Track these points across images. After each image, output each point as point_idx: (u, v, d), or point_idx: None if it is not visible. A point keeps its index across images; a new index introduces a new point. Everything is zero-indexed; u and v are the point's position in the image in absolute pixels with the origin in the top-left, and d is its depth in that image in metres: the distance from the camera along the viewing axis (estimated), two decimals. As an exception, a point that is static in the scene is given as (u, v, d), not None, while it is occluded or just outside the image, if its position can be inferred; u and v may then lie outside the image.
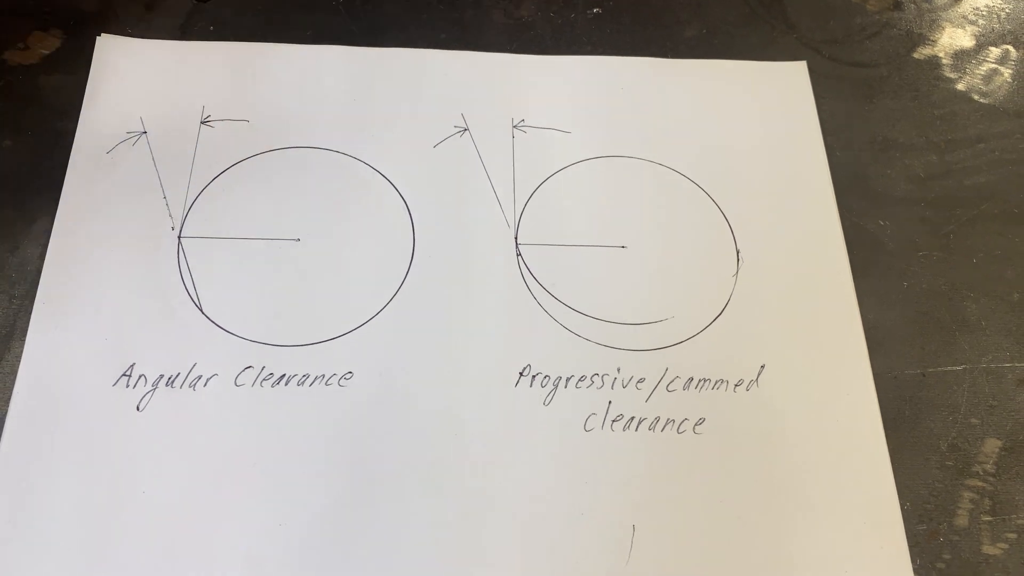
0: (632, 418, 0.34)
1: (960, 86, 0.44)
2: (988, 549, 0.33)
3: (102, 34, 0.41)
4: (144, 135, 0.39)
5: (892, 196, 0.40)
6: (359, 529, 0.31)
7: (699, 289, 0.37)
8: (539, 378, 0.35)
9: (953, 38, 0.46)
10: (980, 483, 0.34)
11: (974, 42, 0.46)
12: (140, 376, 0.33)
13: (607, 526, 0.32)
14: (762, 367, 0.36)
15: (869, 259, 0.39)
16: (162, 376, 0.33)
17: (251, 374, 0.34)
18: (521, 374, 0.35)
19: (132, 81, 0.40)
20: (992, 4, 0.47)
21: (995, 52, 0.45)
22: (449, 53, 0.42)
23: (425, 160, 0.39)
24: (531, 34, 0.43)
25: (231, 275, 0.36)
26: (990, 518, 0.34)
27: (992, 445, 0.35)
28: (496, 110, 0.41)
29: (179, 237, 0.36)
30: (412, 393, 0.34)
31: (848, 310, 0.37)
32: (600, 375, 0.35)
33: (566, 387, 0.35)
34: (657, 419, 0.34)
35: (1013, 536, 0.33)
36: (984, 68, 0.45)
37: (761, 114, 0.42)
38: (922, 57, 0.45)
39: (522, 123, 0.41)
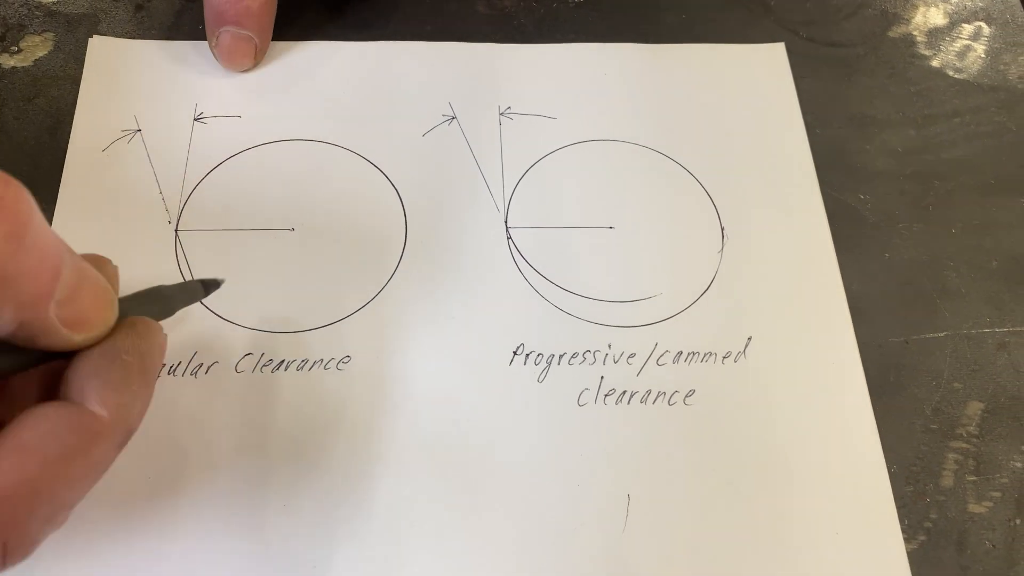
0: (624, 392, 0.35)
1: (935, 63, 0.45)
2: (974, 508, 0.34)
3: (94, 36, 0.42)
4: (139, 132, 0.39)
5: (871, 171, 0.41)
6: (361, 508, 0.32)
7: (686, 266, 0.38)
8: (532, 356, 0.36)
9: (927, 16, 0.47)
10: (964, 445, 0.35)
11: (947, 20, 0.47)
12: (142, 366, 0.34)
13: (603, 497, 0.33)
14: (749, 339, 0.36)
15: (851, 232, 0.40)
16: (163, 365, 0.34)
17: (251, 360, 0.35)
18: (515, 353, 0.36)
19: (125, 81, 0.41)
20: (964, -17, 0.48)
21: (968, 29, 0.46)
22: (434, 45, 0.43)
23: (414, 149, 0.40)
24: (514, 24, 0.44)
25: (228, 266, 0.36)
26: (974, 478, 0.35)
27: (975, 408, 0.36)
28: (482, 98, 0.42)
29: (176, 231, 0.37)
30: (408, 374, 0.35)
31: (831, 282, 0.38)
32: (592, 351, 0.36)
33: (559, 364, 0.36)
34: (648, 392, 0.35)
35: (997, 495, 0.34)
36: (958, 45, 0.46)
37: (741, 95, 0.43)
38: (897, 36, 0.46)
39: (508, 110, 0.41)
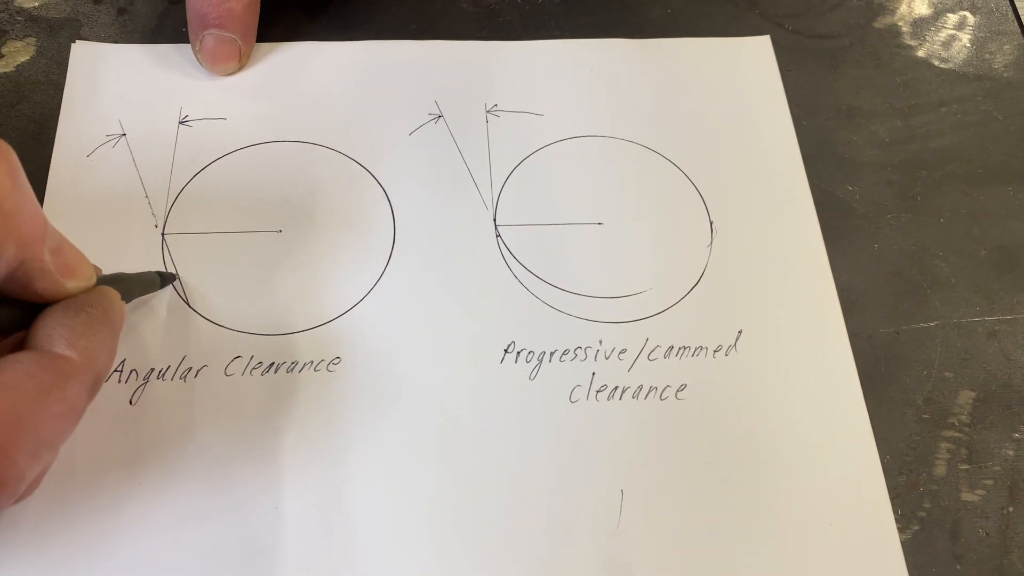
0: (616, 388, 0.35)
1: (920, 53, 0.45)
2: (966, 496, 0.34)
3: (76, 40, 0.41)
4: (123, 137, 0.39)
5: (859, 162, 0.41)
6: (353, 509, 0.32)
7: (675, 261, 0.38)
8: (524, 354, 0.36)
9: (912, 7, 0.47)
10: (956, 433, 0.35)
11: (932, 10, 0.47)
12: (132, 371, 0.34)
13: (596, 493, 0.33)
14: (739, 332, 0.36)
15: (839, 224, 0.40)
16: (153, 370, 0.34)
17: (240, 363, 0.34)
18: (506, 351, 0.36)
19: (109, 85, 0.40)
20: (948, -28, 0.48)
21: (953, 19, 0.46)
22: (419, 43, 0.43)
23: (401, 148, 0.40)
24: (500, 21, 0.44)
25: (216, 269, 0.36)
26: (967, 466, 0.35)
27: (966, 396, 0.36)
28: (469, 96, 0.42)
29: (163, 234, 0.37)
30: (399, 375, 0.35)
31: (821, 274, 0.38)
32: (583, 348, 0.36)
33: (550, 361, 0.35)
34: (640, 387, 0.35)
35: (990, 482, 0.34)
36: (943, 34, 0.46)
37: (728, 89, 0.43)
38: (882, 26, 0.46)
39: (495, 108, 0.41)
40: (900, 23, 0.46)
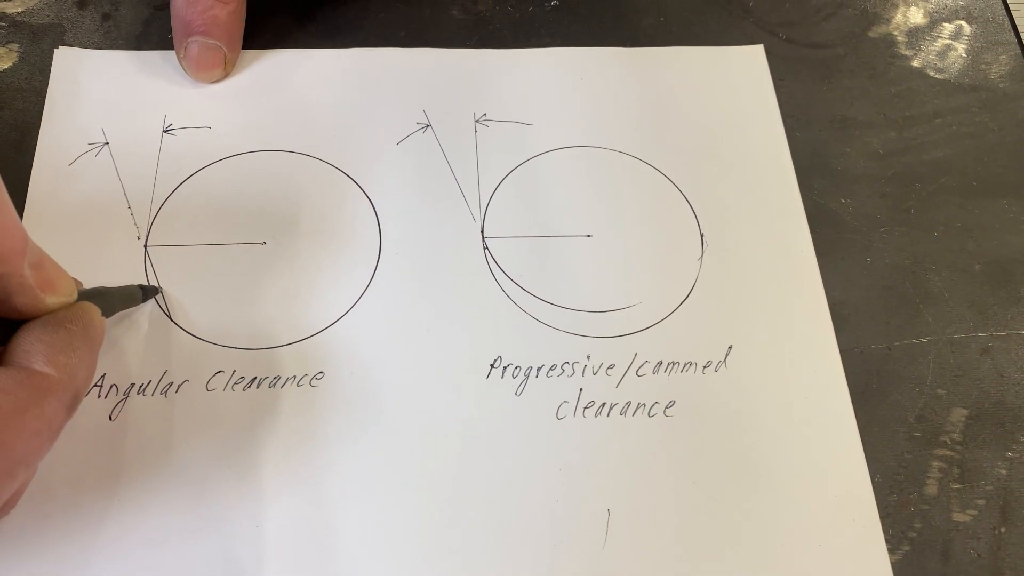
0: (603, 404, 0.35)
1: (916, 63, 0.45)
2: (958, 516, 0.34)
3: (60, 47, 0.41)
4: (106, 146, 0.38)
5: (852, 174, 0.41)
6: (335, 527, 0.31)
7: (665, 274, 0.37)
8: (510, 369, 0.35)
9: (907, 16, 0.46)
10: (948, 452, 0.35)
11: (928, 19, 0.46)
12: (111, 386, 0.33)
13: (582, 511, 0.32)
14: (729, 348, 0.36)
15: (832, 237, 0.39)
16: (133, 385, 0.33)
17: (222, 378, 0.34)
18: (492, 366, 0.35)
19: (92, 92, 0.40)
20: (945, -19, 0.47)
21: (948, 28, 0.46)
22: (407, 51, 0.42)
23: (388, 158, 0.39)
24: (489, 29, 0.44)
25: (198, 281, 0.36)
26: (959, 486, 0.34)
27: (958, 414, 0.36)
28: (458, 105, 0.41)
29: (145, 246, 0.36)
30: (383, 390, 0.34)
31: (813, 288, 0.38)
32: (570, 363, 0.35)
33: (537, 376, 0.35)
34: (628, 404, 0.35)
35: (982, 502, 0.34)
36: (938, 44, 0.45)
37: (720, 98, 0.42)
38: (877, 36, 0.45)
39: (484, 117, 0.41)
40: (895, 33, 0.46)
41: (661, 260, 0.38)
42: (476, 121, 0.41)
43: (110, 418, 0.33)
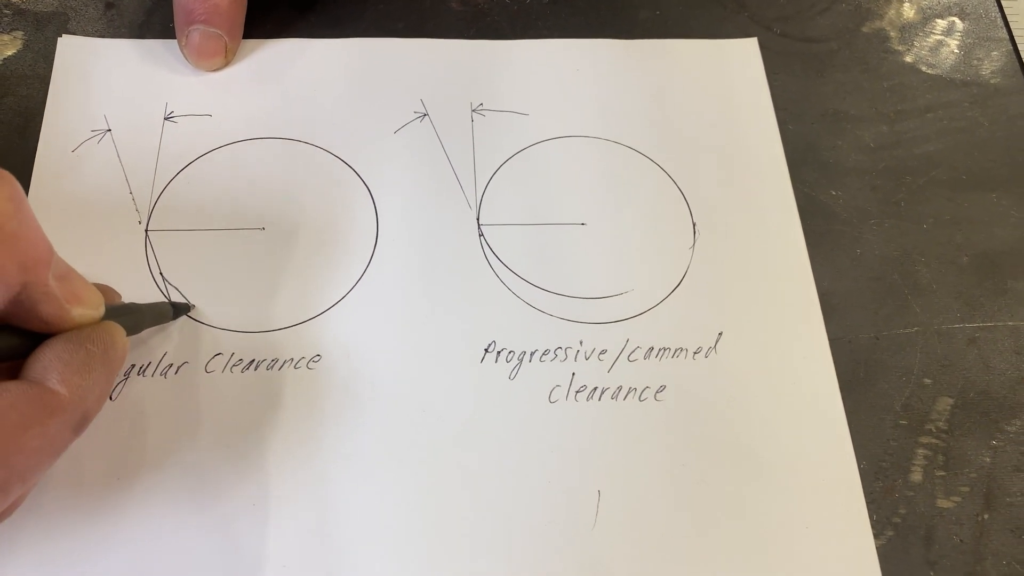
0: (595, 388, 0.35)
1: (908, 58, 0.45)
2: (942, 503, 0.34)
3: (63, 35, 0.41)
4: (109, 132, 0.39)
5: (843, 166, 0.41)
6: (332, 507, 0.32)
7: (657, 262, 0.38)
8: (504, 353, 0.36)
9: (900, 12, 0.47)
10: (933, 440, 0.35)
11: (921, 15, 0.47)
12: (112, 367, 0.34)
13: (573, 493, 0.33)
14: (720, 334, 0.37)
15: (822, 228, 0.40)
16: (133, 366, 0.34)
17: (221, 360, 0.34)
18: (486, 350, 0.36)
19: (95, 80, 0.40)
20: (938, -23, 0.48)
21: (941, 24, 0.46)
22: (406, 41, 0.43)
23: (386, 146, 0.40)
24: (488, 21, 0.44)
25: (198, 266, 0.36)
26: (943, 473, 0.35)
27: (944, 403, 0.36)
28: (455, 95, 0.42)
29: (146, 231, 0.37)
30: (379, 373, 0.35)
31: (803, 278, 0.38)
32: (563, 348, 0.36)
33: (530, 361, 0.36)
34: (619, 388, 0.35)
35: (965, 489, 0.34)
36: (931, 40, 0.46)
37: (714, 91, 0.43)
38: (870, 31, 0.46)
39: (481, 107, 0.41)
40: (888, 28, 0.46)
41: (654, 248, 0.38)
42: (473, 111, 0.41)
43: (111, 398, 0.33)
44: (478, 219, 0.38)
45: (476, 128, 0.41)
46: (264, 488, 0.32)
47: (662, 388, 0.35)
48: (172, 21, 0.40)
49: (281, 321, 0.35)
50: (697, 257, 0.38)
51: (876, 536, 0.33)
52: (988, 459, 0.35)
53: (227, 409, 0.34)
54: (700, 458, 0.34)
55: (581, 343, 0.36)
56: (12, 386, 0.24)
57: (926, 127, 0.43)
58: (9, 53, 0.41)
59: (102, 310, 0.27)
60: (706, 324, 0.37)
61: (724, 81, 0.43)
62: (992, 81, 0.45)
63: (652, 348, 0.36)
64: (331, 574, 0.31)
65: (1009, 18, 0.46)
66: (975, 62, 0.45)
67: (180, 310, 0.35)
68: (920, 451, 0.35)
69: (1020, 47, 0.45)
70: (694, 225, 0.39)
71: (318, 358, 0.35)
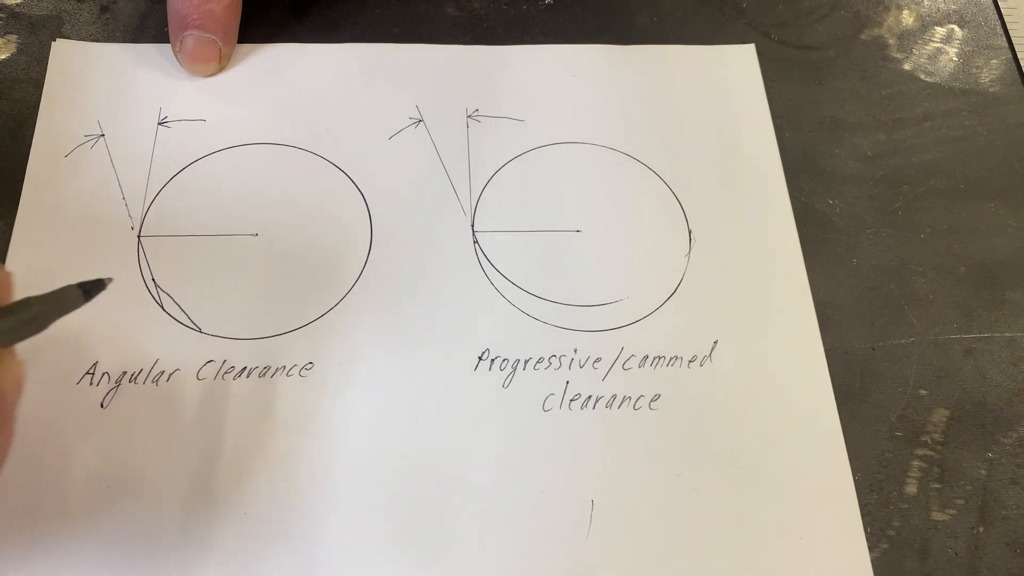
0: (589, 397, 0.35)
1: (907, 66, 0.45)
2: (937, 515, 0.34)
3: (57, 39, 0.41)
4: (102, 137, 0.39)
5: (840, 175, 0.41)
6: (322, 516, 0.32)
7: (653, 270, 0.38)
8: (498, 361, 0.35)
9: (899, 19, 0.47)
10: (929, 452, 0.35)
11: (919, 23, 0.47)
12: (103, 374, 0.34)
13: (567, 502, 0.33)
14: (715, 343, 0.36)
15: (819, 237, 0.39)
16: (125, 373, 0.34)
17: (213, 368, 0.34)
18: (480, 358, 0.35)
19: (89, 85, 0.40)
20: (938, -15, 0.48)
21: (940, 32, 0.46)
22: (401, 46, 0.43)
23: (381, 152, 0.40)
24: (484, 26, 0.44)
25: (190, 272, 0.36)
26: (938, 485, 0.34)
27: (940, 415, 0.36)
28: (450, 101, 0.41)
29: (139, 237, 0.37)
30: (372, 381, 0.35)
31: (799, 287, 0.38)
32: (557, 356, 0.36)
33: (524, 369, 0.35)
34: (614, 397, 0.35)
35: (961, 502, 0.34)
36: (930, 48, 0.46)
37: (711, 97, 0.43)
38: (869, 39, 0.46)
39: (476, 113, 0.41)
40: (887, 35, 0.46)
41: (649, 256, 0.38)
42: (468, 116, 0.41)
43: (102, 405, 0.33)
44: (473, 226, 0.38)
45: (471, 134, 0.41)
46: (255, 494, 0.32)
47: (657, 397, 0.35)
48: (166, 26, 0.40)
49: (274, 328, 0.35)
50: (693, 265, 0.38)
51: (871, 548, 0.33)
52: (984, 472, 0.35)
53: (219, 416, 0.33)
54: (694, 467, 0.34)
55: (575, 351, 0.36)
56: None
57: (924, 136, 0.43)
58: (2, 57, 0.41)
59: None
60: (701, 333, 0.37)
61: (721, 88, 0.43)
62: (991, 89, 0.44)
63: (647, 356, 0.36)
64: (321, 584, 0.31)
65: (1009, 26, 0.46)
66: (974, 70, 0.45)
67: (93, 289, 0.28)
68: (915, 463, 0.35)
69: (1020, 55, 0.45)
70: (690, 232, 0.39)
71: (311, 366, 0.35)
